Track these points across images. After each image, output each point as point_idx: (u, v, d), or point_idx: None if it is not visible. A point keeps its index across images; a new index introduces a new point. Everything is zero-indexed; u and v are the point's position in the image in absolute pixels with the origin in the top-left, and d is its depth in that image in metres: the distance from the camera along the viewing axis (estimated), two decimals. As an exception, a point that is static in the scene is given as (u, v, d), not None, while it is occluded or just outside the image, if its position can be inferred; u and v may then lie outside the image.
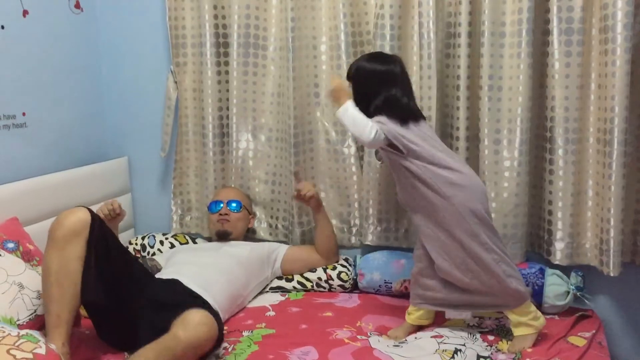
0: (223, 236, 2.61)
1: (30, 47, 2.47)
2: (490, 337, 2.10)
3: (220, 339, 1.92)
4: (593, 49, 2.25)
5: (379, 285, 2.52)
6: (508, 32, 2.32)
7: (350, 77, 2.16)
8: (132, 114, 2.93)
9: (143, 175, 2.96)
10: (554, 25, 2.28)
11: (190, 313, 1.76)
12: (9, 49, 2.36)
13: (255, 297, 2.50)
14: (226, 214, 2.60)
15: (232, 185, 2.76)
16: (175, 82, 2.76)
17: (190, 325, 1.72)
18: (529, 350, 1.99)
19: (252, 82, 2.70)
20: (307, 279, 2.58)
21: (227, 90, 2.73)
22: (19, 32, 2.40)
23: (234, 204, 2.62)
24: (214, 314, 1.92)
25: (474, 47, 2.38)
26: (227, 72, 2.72)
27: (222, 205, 2.62)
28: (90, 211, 1.92)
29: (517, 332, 2.04)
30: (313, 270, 2.58)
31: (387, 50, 2.44)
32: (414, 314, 2.17)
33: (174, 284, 2.13)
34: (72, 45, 2.73)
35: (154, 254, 2.71)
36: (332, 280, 2.56)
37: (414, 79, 2.47)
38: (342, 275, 2.56)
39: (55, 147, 2.61)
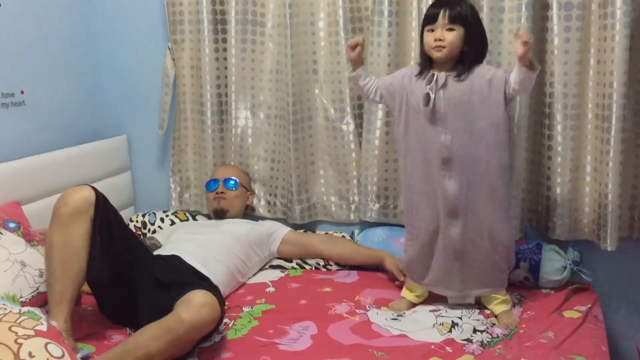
0: (220, 214, 2.62)
1: (28, 24, 2.45)
2: (487, 312, 2.12)
3: (222, 318, 1.92)
4: (592, 24, 2.23)
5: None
6: (507, 7, 2.30)
7: (466, 21, 1.94)
8: (130, 92, 2.92)
9: (142, 153, 2.96)
10: (554, -1, 2.27)
11: (193, 294, 1.74)
12: (6, 27, 2.34)
13: (255, 273, 2.52)
14: (222, 192, 2.61)
15: (232, 163, 2.76)
16: (173, 59, 2.75)
17: (193, 307, 1.70)
18: (524, 325, 2.01)
19: (250, 59, 2.68)
20: (306, 262, 2.59)
21: (225, 68, 2.71)
22: (16, 10, 2.38)
23: (230, 182, 2.63)
24: (216, 292, 1.91)
25: (473, 23, 2.36)
26: (225, 49, 2.70)
27: (219, 183, 2.63)
28: (95, 189, 1.92)
29: (498, 309, 2.08)
30: None
31: (385, 26, 2.42)
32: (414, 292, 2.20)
33: (175, 260, 2.14)
34: (70, 23, 2.70)
35: (154, 231, 2.73)
36: (331, 265, 2.57)
37: (413, 55, 2.46)
38: None
39: (53, 126, 2.61)
